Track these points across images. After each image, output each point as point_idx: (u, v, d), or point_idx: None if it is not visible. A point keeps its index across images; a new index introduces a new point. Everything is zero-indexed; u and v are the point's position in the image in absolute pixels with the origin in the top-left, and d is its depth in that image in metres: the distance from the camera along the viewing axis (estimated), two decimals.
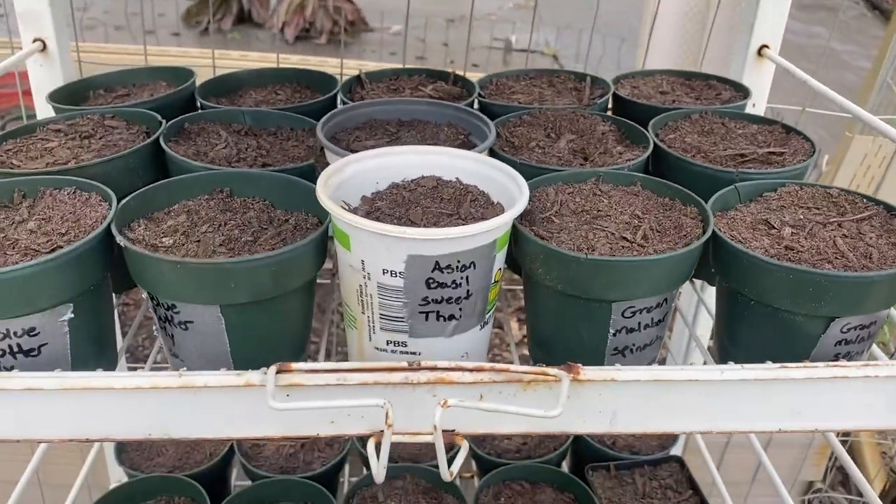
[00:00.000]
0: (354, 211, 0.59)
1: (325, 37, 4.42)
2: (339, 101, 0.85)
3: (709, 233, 0.57)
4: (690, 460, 1.10)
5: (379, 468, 0.49)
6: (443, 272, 0.53)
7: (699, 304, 1.14)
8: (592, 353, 0.60)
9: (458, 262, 0.53)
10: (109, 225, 0.55)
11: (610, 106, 0.89)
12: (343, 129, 0.74)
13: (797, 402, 0.55)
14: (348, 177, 0.61)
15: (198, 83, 0.85)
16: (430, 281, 0.54)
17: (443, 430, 0.49)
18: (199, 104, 0.83)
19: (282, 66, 0.92)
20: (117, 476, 1.10)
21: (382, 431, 0.52)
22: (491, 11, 5.12)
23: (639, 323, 0.58)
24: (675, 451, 1.15)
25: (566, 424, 0.54)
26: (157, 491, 0.99)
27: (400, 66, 0.96)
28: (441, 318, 0.56)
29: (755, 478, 1.40)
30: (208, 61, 1.08)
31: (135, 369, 1.19)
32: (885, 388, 0.53)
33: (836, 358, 0.58)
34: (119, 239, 0.53)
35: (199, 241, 0.57)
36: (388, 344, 0.57)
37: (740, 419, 0.56)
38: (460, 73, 0.93)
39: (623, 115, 0.84)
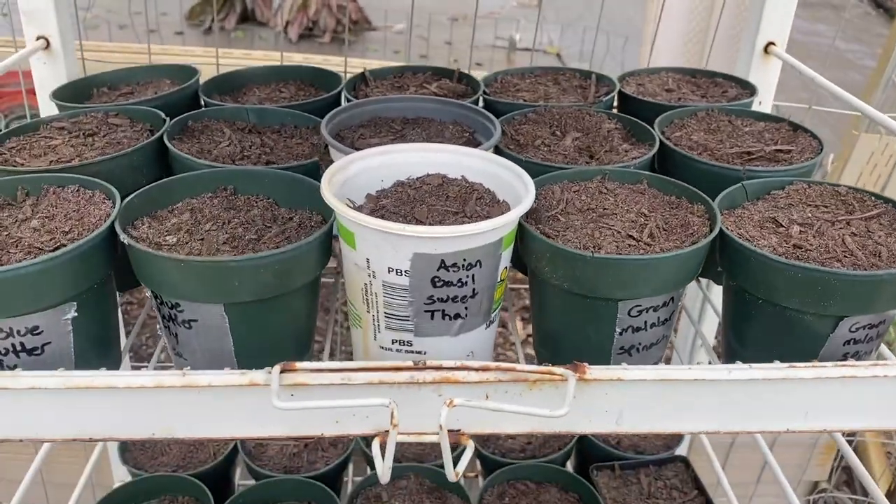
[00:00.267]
0: (359, 209, 0.59)
1: (329, 35, 4.42)
2: (343, 98, 0.84)
3: (716, 231, 0.57)
4: (695, 460, 1.09)
5: (384, 468, 0.49)
6: (448, 271, 0.53)
7: (705, 302, 1.14)
8: (598, 352, 0.59)
9: (464, 260, 0.53)
10: (113, 223, 0.55)
11: (615, 104, 0.88)
12: (347, 127, 0.74)
13: (806, 403, 0.54)
14: (353, 174, 0.60)
15: (202, 81, 0.85)
16: (436, 279, 0.53)
17: (448, 430, 0.49)
18: (202, 102, 0.82)
19: (286, 63, 0.92)
20: (121, 475, 1.10)
21: (388, 431, 0.52)
22: (494, 10, 5.11)
23: (645, 322, 0.58)
24: (681, 451, 1.15)
25: (572, 424, 0.53)
26: (160, 490, 0.99)
27: (402, 64, 0.96)
28: (447, 317, 0.55)
29: (760, 478, 1.40)
30: (212, 59, 1.08)
31: (139, 368, 1.19)
32: (895, 389, 0.53)
33: (845, 357, 0.58)
34: (123, 237, 0.53)
35: (202, 239, 0.57)
36: (393, 343, 0.57)
37: (748, 419, 0.55)
38: (465, 70, 0.92)
39: (629, 113, 0.84)
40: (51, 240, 0.55)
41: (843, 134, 1.68)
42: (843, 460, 1.49)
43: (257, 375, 0.51)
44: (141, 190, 0.60)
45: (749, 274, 0.57)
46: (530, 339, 0.68)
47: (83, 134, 0.71)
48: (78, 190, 0.61)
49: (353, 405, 0.50)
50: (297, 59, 2.44)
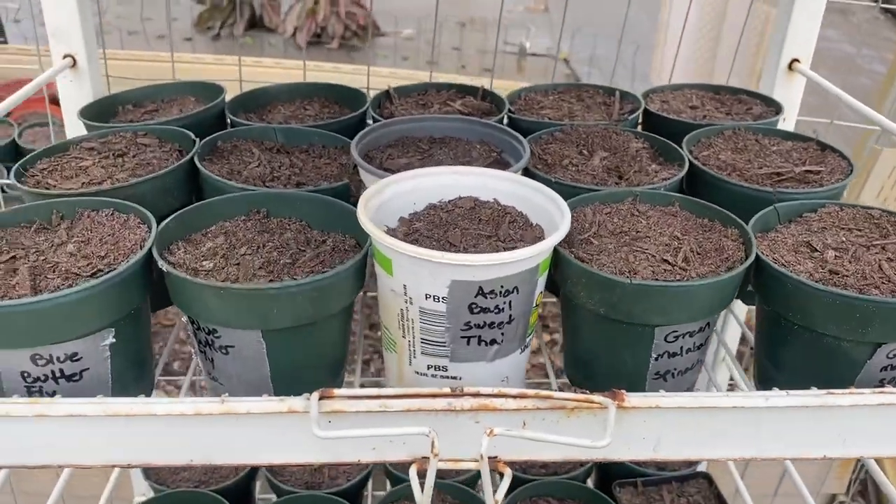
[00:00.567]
0: (392, 232, 0.59)
1: (337, 42, 4.43)
2: (369, 116, 0.84)
3: (752, 257, 0.57)
4: (712, 470, 1.09)
5: (424, 498, 0.49)
6: (486, 297, 0.53)
7: (728, 313, 1.14)
8: (633, 376, 0.59)
9: (502, 287, 0.53)
10: (150, 249, 0.55)
11: (639, 121, 0.88)
12: (376, 147, 0.74)
13: (843, 429, 0.54)
14: (387, 198, 0.60)
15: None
16: (473, 306, 0.53)
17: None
18: (229, 120, 0.83)
19: (309, 80, 0.92)
20: (142, 489, 1.10)
21: (425, 458, 0.52)
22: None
23: (681, 347, 0.58)
24: (700, 464, 1.14)
25: (611, 452, 0.53)
26: None
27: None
28: (483, 343, 0.55)
29: (777, 490, 1.39)
30: (224, 67, 1.08)
31: (167, 384, 1.20)
32: None
33: (882, 384, 0.57)
34: (161, 264, 0.53)
35: (238, 263, 0.57)
36: (428, 368, 0.57)
37: (785, 446, 0.55)
38: (481, 84, 0.93)
39: (653, 130, 0.84)
40: (88, 265, 0.55)
41: (853, 144, 1.68)
42: (860, 473, 1.49)
43: (296, 402, 0.51)
44: (176, 214, 0.60)
45: (785, 300, 0.57)
46: (551, 345, 0.68)
47: (113, 154, 0.71)
48: (112, 213, 0.61)
49: (393, 434, 0.50)
50: (310, 66, 2.45)
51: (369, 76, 1.03)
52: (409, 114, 0.85)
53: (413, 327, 0.55)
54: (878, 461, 1.51)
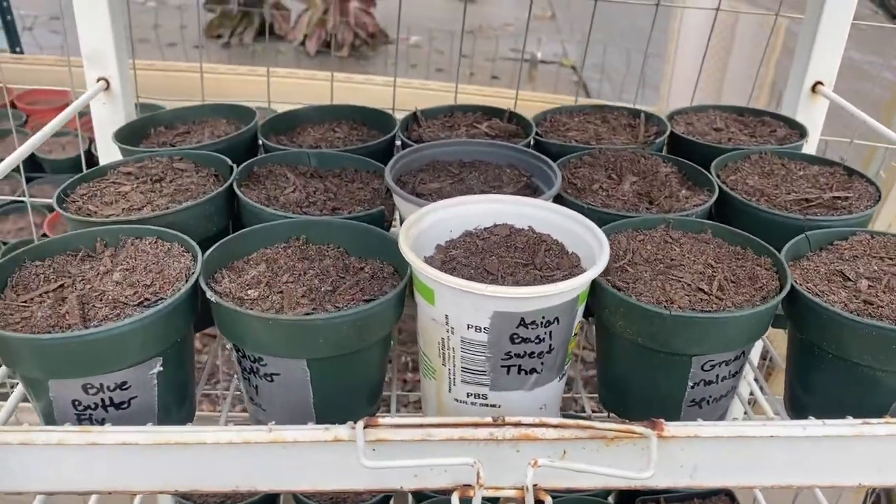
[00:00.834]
0: (430, 260, 0.60)
1: (347, 50, 4.44)
2: (398, 138, 0.85)
3: (787, 288, 0.58)
4: (735, 488, 1.09)
5: None
6: (527, 328, 0.54)
7: None
8: (669, 403, 0.60)
9: (543, 318, 0.54)
10: (198, 279, 0.56)
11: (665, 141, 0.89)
12: (408, 172, 0.75)
13: (879, 458, 0.55)
14: (426, 227, 0.61)
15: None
16: (515, 336, 0.54)
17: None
18: (261, 143, 0.84)
19: (336, 103, 0.93)
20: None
21: (467, 486, 0.53)
22: (509, 22, 5.13)
23: (717, 375, 0.58)
24: None
25: (650, 481, 0.54)
26: None
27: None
28: (523, 372, 0.56)
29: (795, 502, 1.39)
30: (252, 79, 1.10)
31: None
32: None
33: None
34: (210, 295, 0.54)
35: (281, 292, 0.58)
36: (468, 396, 0.58)
37: (820, 474, 0.56)
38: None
39: (679, 153, 0.85)
40: (134, 294, 0.57)
41: (857, 158, 1.68)
42: (877, 488, 1.49)
43: (341, 431, 0.52)
44: (219, 243, 0.61)
45: (819, 329, 0.57)
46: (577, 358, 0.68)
47: (151, 179, 0.72)
48: (156, 241, 0.62)
49: (438, 464, 0.51)
50: (321, 76, 2.47)
51: (395, 95, 1.04)
52: (437, 136, 0.86)
53: (454, 356, 0.56)
54: None
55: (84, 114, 1.00)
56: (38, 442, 0.50)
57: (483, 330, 0.54)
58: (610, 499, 1.11)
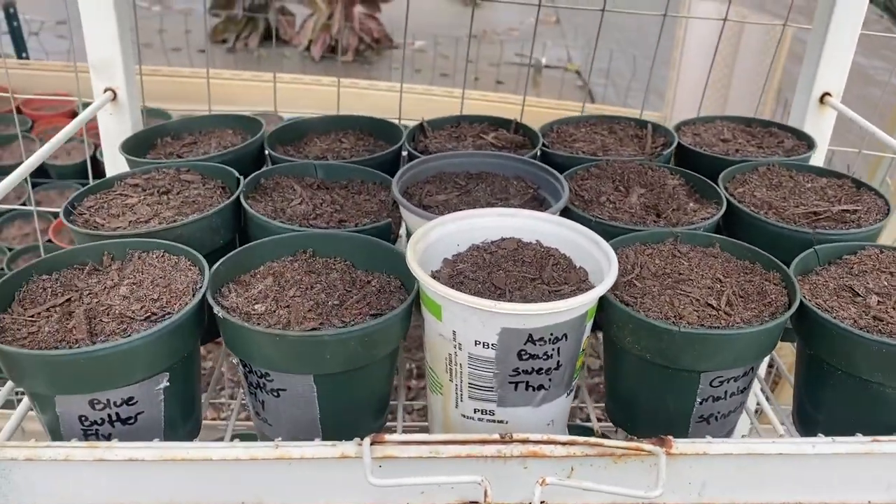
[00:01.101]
0: (437, 274, 0.60)
1: (351, 54, 4.45)
2: (404, 148, 0.85)
3: (796, 304, 0.57)
4: None
5: None
6: (535, 344, 0.54)
7: None
8: (677, 419, 0.59)
9: (552, 334, 0.53)
10: (205, 294, 0.56)
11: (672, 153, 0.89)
12: (414, 183, 0.75)
13: (889, 475, 0.55)
14: (433, 241, 0.61)
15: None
16: (523, 352, 0.54)
17: None
18: (267, 153, 0.84)
19: (343, 113, 0.93)
20: None
21: (474, 503, 0.53)
22: (513, 26, 5.14)
23: (725, 391, 0.58)
24: None
25: (659, 498, 0.54)
26: None
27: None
28: (530, 388, 0.56)
29: None
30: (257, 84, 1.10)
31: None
32: None
33: None
34: (217, 310, 0.54)
35: (288, 306, 0.58)
36: (475, 412, 0.57)
37: (829, 491, 0.55)
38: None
39: (686, 164, 0.84)
40: (141, 308, 0.56)
41: (867, 168, 1.68)
42: None
43: (348, 448, 0.51)
44: (226, 257, 0.61)
45: (829, 345, 0.57)
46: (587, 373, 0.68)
47: (157, 191, 0.72)
48: (163, 255, 0.62)
49: (445, 482, 0.51)
50: (326, 81, 2.47)
51: (401, 104, 1.04)
52: (444, 147, 0.86)
53: (461, 371, 0.56)
54: None
55: (90, 119, 1.00)
56: (44, 458, 0.50)
57: (491, 346, 0.54)
58: None
